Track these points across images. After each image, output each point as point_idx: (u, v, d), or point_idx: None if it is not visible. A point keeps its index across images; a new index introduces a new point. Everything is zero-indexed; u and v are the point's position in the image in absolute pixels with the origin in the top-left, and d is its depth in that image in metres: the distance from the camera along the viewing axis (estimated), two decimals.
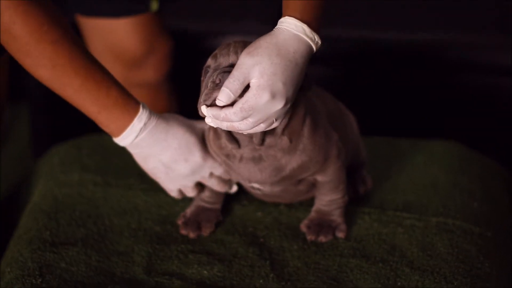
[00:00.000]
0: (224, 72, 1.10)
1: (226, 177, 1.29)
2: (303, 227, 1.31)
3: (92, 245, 1.29)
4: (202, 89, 1.15)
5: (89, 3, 1.68)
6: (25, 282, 1.21)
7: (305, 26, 1.11)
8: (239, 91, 1.08)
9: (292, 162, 1.21)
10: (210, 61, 1.16)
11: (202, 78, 1.17)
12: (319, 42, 1.13)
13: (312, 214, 1.32)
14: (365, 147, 1.43)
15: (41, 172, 1.53)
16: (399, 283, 1.22)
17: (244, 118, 1.09)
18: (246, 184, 1.29)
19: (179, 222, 1.33)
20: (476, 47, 2.04)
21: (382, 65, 2.09)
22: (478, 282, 1.22)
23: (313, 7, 1.13)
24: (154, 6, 1.69)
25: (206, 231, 1.31)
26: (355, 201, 1.38)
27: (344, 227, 1.30)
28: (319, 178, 1.27)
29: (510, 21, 2.04)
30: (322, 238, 1.29)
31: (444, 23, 2.08)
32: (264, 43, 1.10)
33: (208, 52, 1.21)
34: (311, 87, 1.18)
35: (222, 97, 1.08)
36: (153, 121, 1.21)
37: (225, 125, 1.11)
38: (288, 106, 1.12)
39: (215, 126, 1.14)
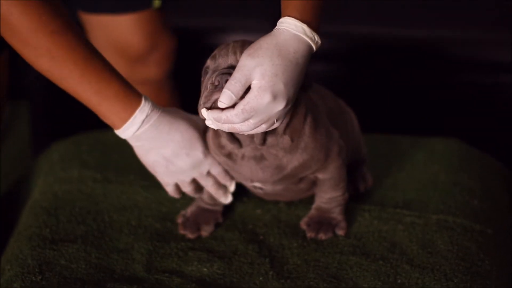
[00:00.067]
0: (223, 74, 1.10)
1: (223, 180, 1.28)
2: (303, 224, 1.31)
3: (92, 242, 1.29)
4: (202, 90, 1.14)
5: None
6: (25, 279, 1.21)
7: (305, 26, 1.11)
8: (241, 93, 1.08)
9: (293, 161, 1.21)
10: (209, 62, 1.15)
11: (202, 79, 1.17)
12: (319, 41, 1.13)
13: (312, 211, 1.32)
14: (365, 144, 1.43)
15: (40, 169, 1.53)
16: (399, 281, 1.22)
17: (245, 119, 1.09)
18: (247, 184, 1.29)
19: (179, 221, 1.33)
20: (476, 44, 2.04)
21: (382, 63, 2.09)
22: (478, 279, 1.22)
23: (312, 6, 1.13)
24: (157, 2, 1.69)
25: (205, 233, 1.31)
26: (355, 198, 1.38)
27: (344, 224, 1.30)
28: (320, 176, 1.26)
29: (510, 18, 2.04)
30: (322, 236, 1.29)
31: (444, 20, 2.08)
32: (265, 44, 1.10)
33: (210, 49, 1.21)
34: (312, 85, 1.19)
35: (224, 99, 1.08)
36: (156, 114, 1.21)
37: (226, 127, 1.11)
38: (289, 106, 1.12)
39: (216, 128, 1.14)
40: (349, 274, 1.23)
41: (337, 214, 1.31)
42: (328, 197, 1.29)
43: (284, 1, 1.14)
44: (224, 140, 1.21)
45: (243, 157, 1.21)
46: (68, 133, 1.64)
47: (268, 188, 1.27)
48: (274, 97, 1.08)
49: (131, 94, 1.18)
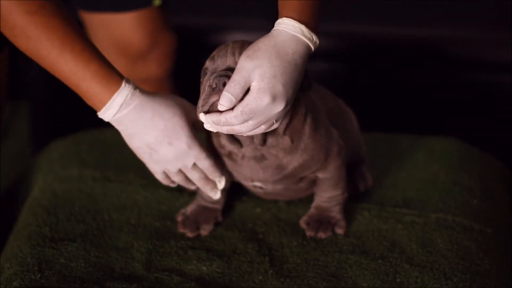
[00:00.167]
0: (220, 76, 1.10)
1: (211, 175, 1.25)
2: (302, 223, 1.31)
3: (91, 241, 1.29)
4: (201, 91, 1.15)
5: None
6: (24, 277, 1.21)
7: (303, 27, 1.11)
8: (241, 95, 1.08)
9: (293, 161, 1.21)
10: (208, 63, 1.15)
11: (201, 80, 1.17)
12: (317, 41, 1.13)
13: (312, 210, 1.32)
14: (364, 143, 1.43)
15: (40, 167, 1.53)
16: (398, 279, 1.21)
17: (244, 121, 1.09)
18: (247, 183, 1.29)
19: (178, 219, 1.32)
20: (476, 44, 2.04)
21: (382, 62, 2.09)
22: (477, 278, 1.22)
23: (310, 6, 1.13)
24: (157, 1, 1.69)
25: (204, 232, 1.31)
26: (354, 198, 1.38)
27: (344, 223, 1.30)
28: (320, 175, 1.27)
29: (510, 17, 2.04)
30: (321, 235, 1.29)
31: (444, 20, 2.08)
32: (263, 46, 1.09)
33: (210, 48, 1.21)
34: (311, 86, 1.19)
35: (224, 101, 1.08)
36: (138, 98, 1.18)
37: (225, 129, 1.11)
38: (289, 107, 1.12)
39: (215, 131, 1.14)
40: (349, 273, 1.23)
41: (336, 213, 1.31)
42: (327, 196, 1.29)
43: (281, 1, 1.14)
44: (224, 140, 1.21)
45: (243, 157, 1.21)
46: (67, 132, 1.64)
47: (269, 187, 1.27)
48: (273, 98, 1.08)
49: (111, 77, 1.16)
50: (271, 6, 2.01)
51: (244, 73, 1.08)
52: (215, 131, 1.13)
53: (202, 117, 1.12)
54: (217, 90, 1.10)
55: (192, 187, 1.28)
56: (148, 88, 1.75)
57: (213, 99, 1.10)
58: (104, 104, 1.16)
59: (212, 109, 1.11)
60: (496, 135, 2.07)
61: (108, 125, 1.23)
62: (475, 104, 2.08)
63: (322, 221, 1.30)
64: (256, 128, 1.11)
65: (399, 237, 1.29)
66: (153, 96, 1.19)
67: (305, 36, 1.11)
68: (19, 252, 1.26)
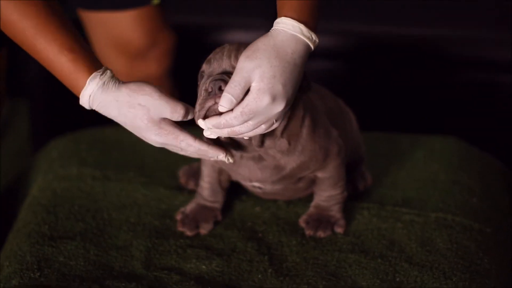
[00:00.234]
0: (216, 80, 1.10)
1: (206, 156, 1.17)
2: (301, 222, 1.31)
3: (90, 239, 1.29)
4: (198, 95, 1.14)
5: None
6: (24, 276, 1.21)
7: (302, 26, 1.11)
8: (241, 96, 1.08)
9: (291, 162, 1.21)
10: (204, 66, 1.15)
11: (198, 83, 1.17)
12: (317, 40, 1.13)
13: (311, 209, 1.32)
14: (364, 143, 1.43)
15: (39, 166, 1.53)
16: (397, 279, 1.21)
17: (245, 121, 1.09)
18: (246, 183, 1.29)
19: (178, 217, 1.32)
20: (476, 43, 2.04)
21: (382, 61, 2.09)
22: (477, 278, 1.22)
23: (309, 6, 1.12)
24: (156, 0, 1.69)
25: (203, 231, 1.31)
26: (354, 197, 1.38)
27: (343, 222, 1.30)
28: (319, 174, 1.27)
29: (510, 17, 2.04)
30: (320, 233, 1.29)
31: (444, 19, 2.08)
32: (262, 46, 1.09)
33: (210, 47, 1.21)
34: (310, 87, 1.18)
35: (224, 102, 1.08)
36: (101, 97, 1.13)
37: (226, 132, 1.11)
38: (289, 106, 1.12)
39: (215, 137, 1.13)
40: (348, 272, 1.23)
41: (336, 212, 1.31)
42: (327, 195, 1.29)
43: (280, 1, 1.14)
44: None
45: (241, 157, 1.21)
46: (67, 131, 1.64)
47: (267, 187, 1.27)
48: (273, 98, 1.08)
49: (78, 71, 1.13)
50: (270, 5, 2.02)
51: (243, 73, 1.08)
52: (215, 137, 1.13)
53: (201, 123, 1.11)
54: (213, 94, 1.10)
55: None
56: None
57: (209, 104, 1.10)
58: (78, 95, 1.14)
59: (209, 114, 1.11)
60: (496, 135, 2.07)
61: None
62: (475, 104, 2.08)
63: (321, 220, 1.30)
64: (256, 128, 1.11)
65: (398, 236, 1.29)
66: (117, 93, 1.14)
67: (305, 35, 1.11)
68: (19, 250, 1.26)
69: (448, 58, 2.06)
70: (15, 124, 2.35)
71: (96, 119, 1.45)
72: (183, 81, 1.89)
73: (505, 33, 2.01)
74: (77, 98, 1.16)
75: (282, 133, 1.18)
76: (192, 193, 1.38)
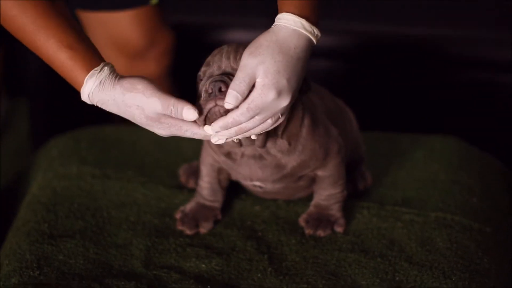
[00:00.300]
0: (216, 81, 1.10)
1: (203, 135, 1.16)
2: (301, 221, 1.31)
3: (90, 238, 1.29)
4: (197, 96, 1.14)
5: None
6: (23, 274, 1.21)
7: (303, 21, 1.11)
8: (246, 92, 1.08)
9: (292, 161, 1.22)
10: (203, 68, 1.15)
11: (197, 85, 1.17)
12: (319, 34, 1.13)
13: (311, 208, 1.32)
14: (364, 142, 1.43)
15: (39, 164, 1.53)
16: (397, 278, 1.21)
17: (251, 117, 1.09)
18: (246, 183, 1.29)
19: (177, 216, 1.32)
20: (476, 43, 2.04)
21: (382, 61, 2.09)
22: (476, 277, 1.22)
23: (309, 1, 1.13)
24: (154, 0, 1.70)
25: (203, 230, 1.30)
26: (354, 196, 1.38)
27: (343, 221, 1.30)
28: (319, 173, 1.27)
29: (510, 17, 2.04)
30: (320, 233, 1.29)
31: (444, 19, 2.08)
32: (265, 42, 1.09)
33: (209, 46, 1.21)
34: (310, 88, 1.19)
35: (230, 99, 1.08)
36: (99, 96, 1.13)
37: (233, 131, 1.10)
38: (293, 100, 1.12)
39: (223, 142, 1.12)
40: (348, 271, 1.23)
41: (335, 211, 1.31)
42: (327, 194, 1.29)
43: None
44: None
45: (242, 156, 1.21)
46: (67, 129, 1.64)
47: (268, 186, 1.27)
48: (279, 93, 1.08)
49: (76, 70, 1.13)
50: (270, 4, 2.02)
51: (248, 70, 1.08)
52: (223, 141, 1.12)
53: (208, 129, 1.11)
54: (213, 96, 1.10)
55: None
56: None
57: (209, 105, 1.10)
58: (80, 91, 1.14)
59: (209, 116, 1.11)
60: (496, 135, 2.07)
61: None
62: (475, 104, 2.08)
63: (321, 219, 1.30)
64: (263, 123, 1.11)
65: (398, 235, 1.29)
66: (113, 92, 1.13)
67: (306, 30, 1.11)
68: (18, 248, 1.26)
69: (448, 58, 2.06)
70: (15, 123, 2.35)
71: (96, 118, 1.45)
72: (183, 80, 1.89)
73: (505, 33, 2.01)
74: (77, 96, 1.16)
75: (282, 134, 1.19)
76: (191, 192, 1.38)
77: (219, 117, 1.10)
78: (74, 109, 1.70)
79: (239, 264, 1.24)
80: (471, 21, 2.07)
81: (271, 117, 1.10)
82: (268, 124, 1.11)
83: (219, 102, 1.09)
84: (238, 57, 1.12)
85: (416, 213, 1.34)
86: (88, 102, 1.14)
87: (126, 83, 1.13)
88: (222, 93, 1.09)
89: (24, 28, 1.12)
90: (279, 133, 1.18)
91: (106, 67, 1.13)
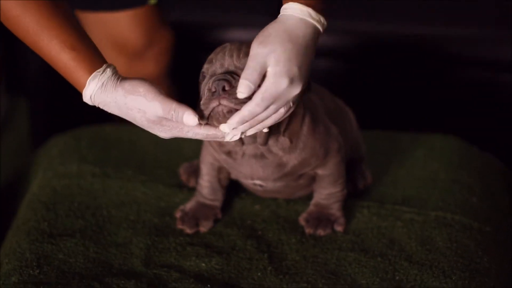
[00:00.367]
0: (219, 79, 1.10)
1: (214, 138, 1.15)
2: (301, 220, 1.31)
3: (90, 237, 1.29)
4: (200, 95, 1.14)
5: None
6: (23, 273, 1.21)
7: (310, 10, 1.11)
8: (258, 81, 1.08)
9: (293, 159, 1.22)
10: (206, 66, 1.15)
11: (199, 83, 1.17)
12: (325, 23, 1.13)
13: (311, 207, 1.32)
14: (364, 142, 1.43)
15: (39, 163, 1.53)
16: (397, 277, 1.21)
17: (266, 107, 1.09)
18: (247, 181, 1.29)
19: (177, 215, 1.32)
20: (476, 42, 2.04)
21: (382, 60, 2.09)
22: (476, 276, 1.22)
23: None
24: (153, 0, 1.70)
25: (203, 229, 1.30)
26: (354, 195, 1.38)
27: (343, 220, 1.30)
28: (320, 171, 1.27)
29: (510, 16, 2.04)
30: (320, 232, 1.29)
31: (445, 18, 2.08)
32: (273, 31, 1.10)
33: (209, 45, 1.21)
34: (310, 88, 1.19)
35: (243, 89, 1.07)
36: (100, 97, 1.13)
37: (248, 124, 1.10)
38: (304, 88, 1.12)
39: (237, 138, 1.12)
40: (348, 270, 1.23)
41: (335, 210, 1.31)
42: (327, 193, 1.29)
43: None
44: None
45: (243, 155, 1.22)
46: (67, 128, 1.63)
47: (269, 185, 1.27)
48: (291, 81, 1.08)
49: (78, 71, 1.13)
50: (271, 3, 2.01)
51: (259, 59, 1.08)
52: (237, 138, 1.12)
53: (224, 127, 1.10)
54: (217, 94, 1.10)
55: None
56: None
57: (213, 104, 1.10)
58: (81, 91, 1.14)
59: (213, 115, 1.11)
60: (496, 134, 2.07)
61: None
62: (475, 103, 2.08)
63: (321, 218, 1.30)
64: (276, 112, 1.10)
65: (398, 235, 1.29)
66: (115, 94, 1.13)
67: (313, 18, 1.11)
68: (18, 247, 1.26)
69: (448, 58, 2.06)
70: (15, 122, 2.35)
71: (96, 117, 1.45)
72: (183, 80, 1.89)
73: (505, 32, 2.01)
74: (77, 95, 1.16)
75: (283, 132, 1.19)
76: (191, 190, 1.38)
77: (222, 116, 1.10)
78: (74, 108, 1.70)
79: (239, 263, 1.24)
80: (471, 21, 2.07)
81: (283, 106, 1.10)
82: (280, 114, 1.11)
83: (222, 101, 1.09)
84: (241, 55, 1.12)
85: (416, 212, 1.34)
86: (90, 103, 1.14)
87: (128, 85, 1.13)
88: (226, 92, 1.09)
89: (27, 28, 1.12)
90: (281, 130, 1.18)
91: (108, 69, 1.13)
